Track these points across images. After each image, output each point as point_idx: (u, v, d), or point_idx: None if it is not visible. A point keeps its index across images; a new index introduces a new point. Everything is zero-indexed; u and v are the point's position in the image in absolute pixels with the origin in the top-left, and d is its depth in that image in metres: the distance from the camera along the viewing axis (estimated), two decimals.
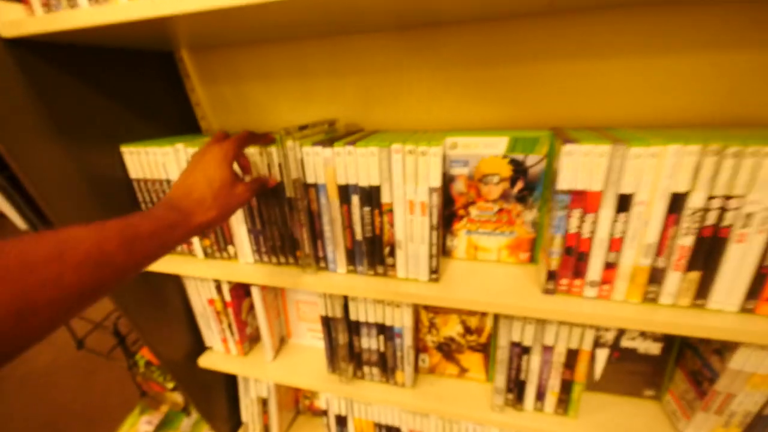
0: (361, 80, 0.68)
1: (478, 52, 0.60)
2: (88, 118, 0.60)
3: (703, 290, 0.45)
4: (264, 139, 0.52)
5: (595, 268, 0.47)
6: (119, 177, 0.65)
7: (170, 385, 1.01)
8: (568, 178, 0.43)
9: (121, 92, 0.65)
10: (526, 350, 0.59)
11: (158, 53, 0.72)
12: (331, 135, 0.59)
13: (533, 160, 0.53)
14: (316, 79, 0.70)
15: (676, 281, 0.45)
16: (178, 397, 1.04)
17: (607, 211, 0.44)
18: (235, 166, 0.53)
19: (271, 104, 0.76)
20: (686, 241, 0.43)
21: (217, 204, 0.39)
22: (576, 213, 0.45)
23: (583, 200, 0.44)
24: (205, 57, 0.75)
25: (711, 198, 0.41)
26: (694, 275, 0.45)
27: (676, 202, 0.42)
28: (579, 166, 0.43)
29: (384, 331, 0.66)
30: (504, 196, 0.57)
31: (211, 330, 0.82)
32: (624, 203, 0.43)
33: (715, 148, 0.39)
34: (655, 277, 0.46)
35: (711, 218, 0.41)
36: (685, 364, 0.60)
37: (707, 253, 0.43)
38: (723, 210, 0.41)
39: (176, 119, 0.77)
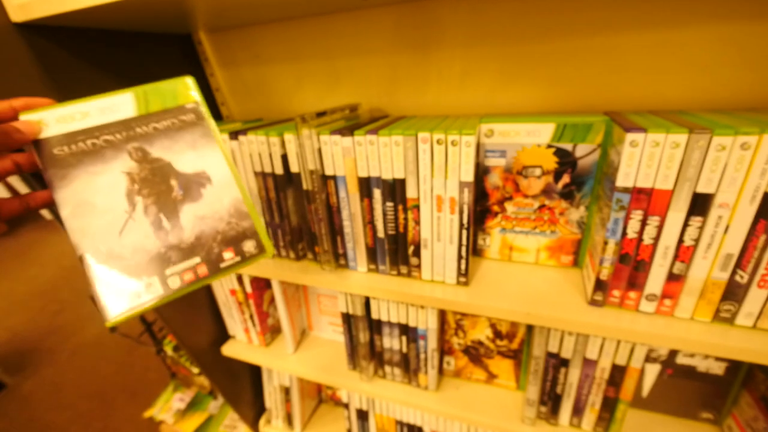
0: (387, 60, 0.61)
1: (519, 24, 0.52)
2: None
3: None
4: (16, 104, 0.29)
5: (655, 280, 0.40)
6: None
7: (196, 370, 1.04)
8: (630, 174, 0.36)
9: (139, 78, 0.63)
10: (564, 362, 0.54)
11: (176, 36, 0.69)
12: (353, 122, 0.54)
13: (584, 151, 0.46)
14: (340, 60, 0.65)
15: (760, 300, 0.38)
16: (204, 381, 1.07)
17: (677, 214, 0.36)
18: None
19: (294, 88, 0.71)
20: None
21: None
22: (636, 215, 0.38)
23: (648, 200, 0.37)
24: (225, 38, 0.71)
25: None
26: None
27: None
28: (645, 158, 0.35)
29: (407, 331, 0.62)
30: (546, 192, 0.50)
31: (233, 319, 0.82)
32: (700, 205, 0.36)
33: None
34: (733, 293, 0.38)
35: None
36: (756, 387, 0.52)
37: None
38: None
39: None
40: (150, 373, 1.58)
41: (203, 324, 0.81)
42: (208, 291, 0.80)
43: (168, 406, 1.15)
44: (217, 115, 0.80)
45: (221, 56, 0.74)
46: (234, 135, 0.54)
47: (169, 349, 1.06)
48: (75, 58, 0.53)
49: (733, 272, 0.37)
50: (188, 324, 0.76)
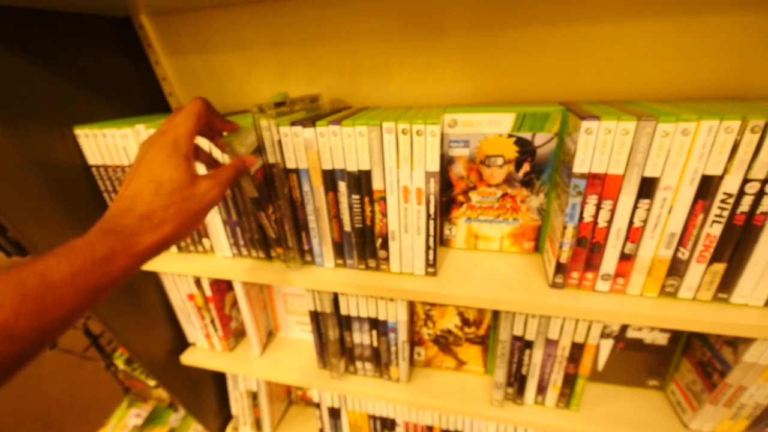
0: (348, 49, 0.60)
1: (480, 14, 0.52)
2: (34, 96, 0.52)
3: (727, 283, 0.41)
4: (225, 123, 0.40)
5: (609, 261, 0.43)
6: (76, 164, 0.58)
7: (152, 382, 0.97)
8: (586, 160, 0.38)
9: (71, 65, 0.57)
10: (528, 344, 0.56)
11: (114, 19, 0.63)
12: (314, 113, 0.52)
13: (542, 140, 0.47)
14: (296, 48, 0.62)
15: (699, 274, 0.41)
16: (163, 394, 1.00)
17: (628, 198, 0.39)
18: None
19: (247, 78, 0.68)
20: (714, 230, 0.38)
21: (171, 214, 0.29)
22: (592, 199, 0.40)
23: (602, 185, 0.39)
24: (169, 23, 0.66)
25: (747, 181, 0.36)
26: (719, 267, 0.40)
27: (707, 187, 0.37)
28: (599, 145, 0.37)
29: (377, 326, 0.62)
30: (508, 180, 0.51)
31: (193, 326, 0.77)
32: (647, 188, 0.38)
33: (758, 124, 0.33)
34: (676, 269, 0.42)
35: (745, 204, 0.36)
36: (693, 354, 0.58)
37: (737, 242, 0.38)
38: (760, 195, 0.36)
39: (141, 96, 0.69)
40: (100, 390, 1.45)
41: (158, 333, 0.75)
42: (162, 297, 0.74)
43: (123, 423, 1.06)
44: (166, 108, 0.74)
45: (167, 42, 0.68)
46: None
47: (120, 363, 0.98)
48: None
49: (676, 249, 0.40)
50: (141, 334, 0.70)
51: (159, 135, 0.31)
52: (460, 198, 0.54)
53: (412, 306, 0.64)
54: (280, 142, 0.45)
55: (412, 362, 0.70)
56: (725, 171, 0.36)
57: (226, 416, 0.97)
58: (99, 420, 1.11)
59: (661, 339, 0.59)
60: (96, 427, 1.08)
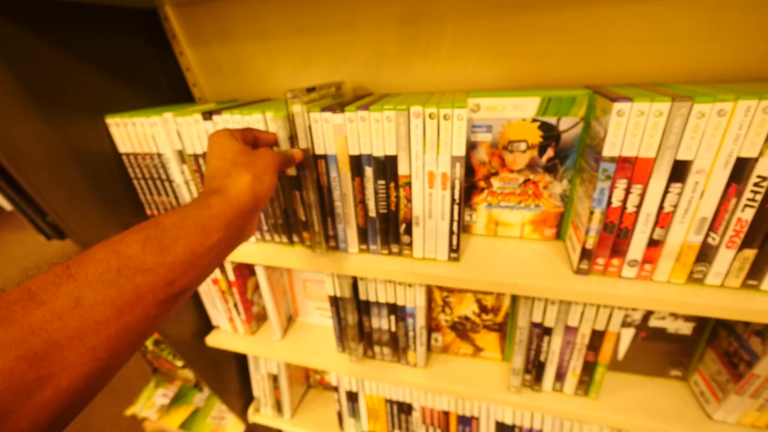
0: (371, 36, 0.60)
1: None
2: (68, 86, 0.54)
3: (757, 270, 0.40)
4: (266, 136, 0.45)
5: (637, 246, 0.42)
6: (107, 151, 0.60)
7: (179, 362, 1.01)
8: (616, 143, 0.37)
9: (102, 56, 0.58)
10: (547, 331, 0.56)
11: (140, 11, 0.64)
12: (338, 100, 0.53)
13: (567, 124, 0.47)
14: (318, 37, 0.62)
15: (728, 260, 0.40)
16: (189, 374, 1.04)
17: (659, 182, 0.38)
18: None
19: (268, 68, 0.68)
20: (746, 215, 0.38)
21: (243, 169, 0.35)
22: (621, 184, 0.39)
23: (632, 169, 0.38)
24: (193, 14, 0.67)
25: None
26: (749, 253, 0.40)
27: (742, 170, 0.36)
28: (630, 128, 0.36)
29: (395, 311, 0.63)
30: (531, 166, 0.51)
31: (217, 309, 0.80)
32: (680, 172, 0.37)
33: None
34: (705, 255, 0.41)
35: None
36: (719, 344, 0.57)
37: None
38: None
39: (166, 87, 0.70)
40: (129, 371, 1.51)
41: (185, 316, 0.78)
42: None
43: (150, 402, 1.11)
44: (190, 98, 0.75)
45: (190, 33, 0.69)
46: (207, 115, 0.51)
47: (149, 344, 1.02)
48: (30, 35, 0.48)
49: (707, 235, 0.40)
50: (170, 317, 0.73)
51: (212, 141, 0.38)
52: (482, 184, 0.54)
53: (429, 292, 0.65)
54: (310, 127, 0.46)
55: (429, 348, 0.71)
56: (761, 153, 0.35)
57: (248, 398, 1.00)
58: (128, 398, 1.16)
59: (685, 329, 0.58)
60: (126, 405, 1.14)
